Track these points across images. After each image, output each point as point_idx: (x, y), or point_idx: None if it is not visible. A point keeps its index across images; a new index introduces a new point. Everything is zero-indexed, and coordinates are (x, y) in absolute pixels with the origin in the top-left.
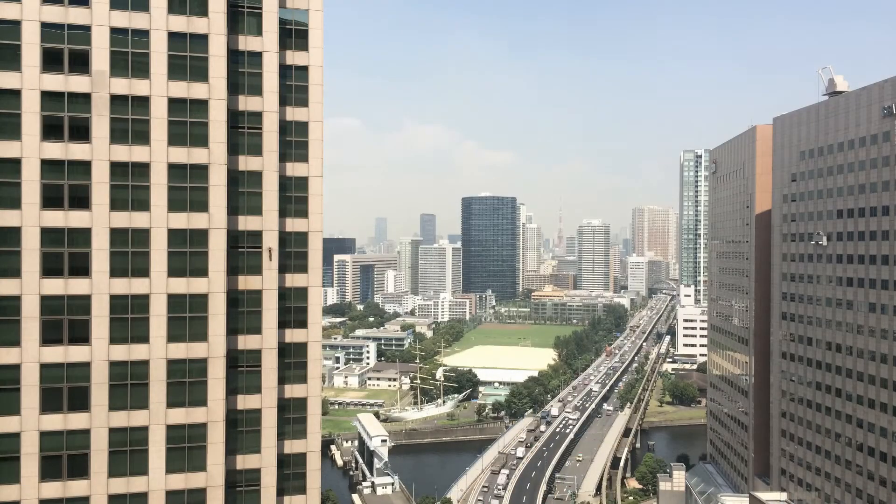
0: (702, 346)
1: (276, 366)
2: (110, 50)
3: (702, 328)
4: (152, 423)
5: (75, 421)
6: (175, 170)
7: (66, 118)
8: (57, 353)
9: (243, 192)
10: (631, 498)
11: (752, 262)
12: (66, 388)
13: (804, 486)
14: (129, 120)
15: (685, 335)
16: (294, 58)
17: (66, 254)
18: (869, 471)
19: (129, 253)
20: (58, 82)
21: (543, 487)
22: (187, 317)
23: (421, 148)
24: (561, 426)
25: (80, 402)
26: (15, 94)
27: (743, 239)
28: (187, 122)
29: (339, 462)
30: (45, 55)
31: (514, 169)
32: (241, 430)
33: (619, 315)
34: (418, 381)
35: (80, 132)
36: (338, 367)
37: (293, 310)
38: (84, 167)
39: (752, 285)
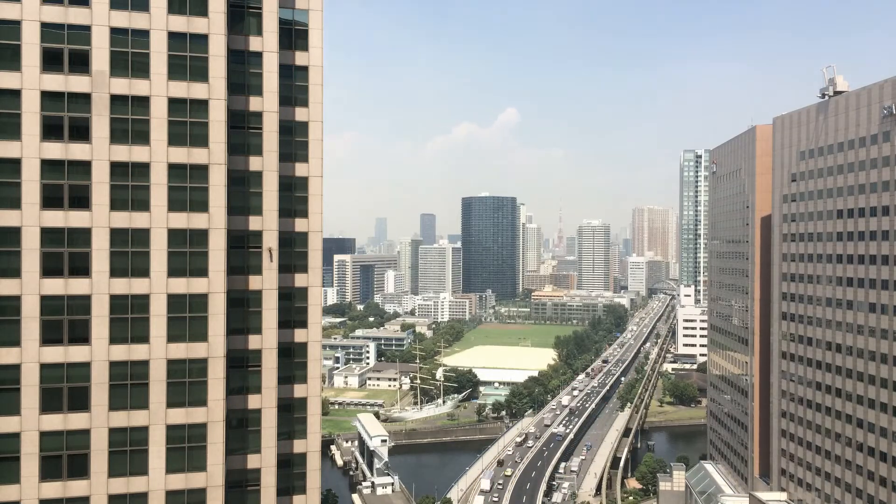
0: (702, 346)
1: (276, 366)
2: (110, 50)
3: (702, 328)
4: (152, 423)
5: (75, 421)
6: (175, 170)
7: (66, 118)
8: (57, 353)
9: (243, 191)
10: (631, 498)
11: (752, 262)
12: (66, 388)
13: (804, 486)
14: (129, 120)
15: (685, 335)
16: (294, 58)
17: (66, 254)
18: (869, 471)
19: (129, 253)
20: (58, 82)
21: (543, 487)
22: (187, 317)
23: (427, 147)
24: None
25: (80, 402)
26: (15, 94)
27: (743, 239)
28: (187, 122)
29: (339, 462)
30: (45, 55)
31: (515, 168)
32: (241, 429)
33: (619, 315)
34: (418, 381)
35: (80, 132)
36: (338, 367)
37: (293, 310)
38: (84, 167)
39: (752, 285)
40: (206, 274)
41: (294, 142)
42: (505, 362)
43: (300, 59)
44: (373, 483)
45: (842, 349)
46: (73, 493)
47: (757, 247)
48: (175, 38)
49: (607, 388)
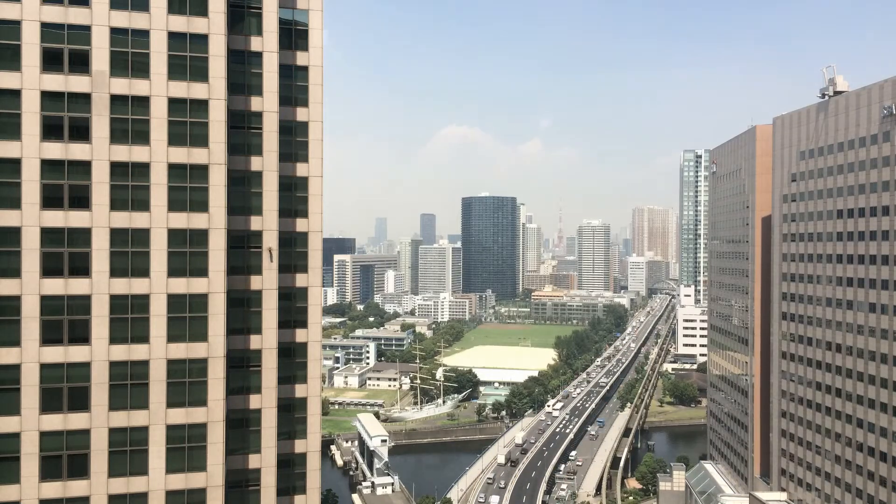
0: (702, 346)
1: (276, 366)
2: (110, 50)
3: (702, 328)
4: (152, 423)
5: (75, 421)
6: (175, 170)
7: (66, 118)
8: (57, 353)
9: (244, 191)
10: (631, 498)
11: (752, 262)
12: (66, 388)
13: (804, 486)
14: (129, 120)
15: (685, 335)
16: (294, 58)
17: (66, 254)
18: (869, 471)
19: (129, 253)
20: (58, 82)
21: (543, 487)
22: (187, 317)
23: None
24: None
25: (80, 402)
26: (15, 94)
27: (743, 239)
28: (187, 122)
29: (339, 462)
30: (45, 55)
31: (515, 168)
32: (241, 429)
33: (619, 315)
34: (418, 381)
35: (80, 132)
36: (338, 367)
37: (293, 310)
38: (84, 167)
39: (752, 285)
40: (206, 274)
41: (294, 142)
42: (505, 362)
43: (300, 59)
44: (373, 483)
45: (842, 349)
46: (73, 493)
47: (757, 247)
48: (175, 38)
49: (607, 388)
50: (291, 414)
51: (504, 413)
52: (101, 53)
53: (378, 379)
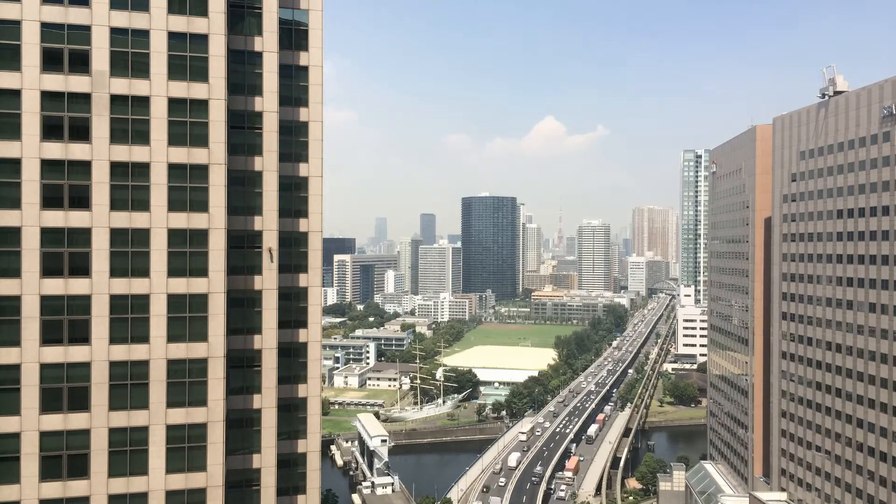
0: (702, 346)
1: (275, 366)
2: (110, 50)
3: (702, 328)
4: (152, 423)
5: (75, 421)
6: (175, 170)
7: (66, 118)
8: (57, 353)
9: (244, 191)
10: (631, 498)
11: (752, 262)
12: (66, 388)
13: (804, 486)
14: (129, 120)
15: (685, 335)
16: (294, 58)
17: (66, 254)
18: (869, 471)
19: (129, 253)
20: (58, 82)
21: (543, 487)
22: (187, 317)
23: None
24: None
25: (80, 402)
26: (15, 94)
27: (743, 239)
28: (187, 122)
29: (339, 462)
30: (45, 55)
31: (515, 168)
32: (241, 429)
33: (619, 315)
34: (418, 381)
35: (80, 132)
36: (338, 367)
37: (293, 309)
38: (84, 167)
39: (752, 285)
40: (206, 274)
41: (294, 142)
42: (505, 362)
43: (301, 59)
44: (373, 483)
45: (842, 349)
46: (73, 493)
47: (757, 247)
48: (175, 38)
49: (607, 387)
50: (292, 414)
51: (504, 413)
52: (101, 53)
53: (378, 379)
